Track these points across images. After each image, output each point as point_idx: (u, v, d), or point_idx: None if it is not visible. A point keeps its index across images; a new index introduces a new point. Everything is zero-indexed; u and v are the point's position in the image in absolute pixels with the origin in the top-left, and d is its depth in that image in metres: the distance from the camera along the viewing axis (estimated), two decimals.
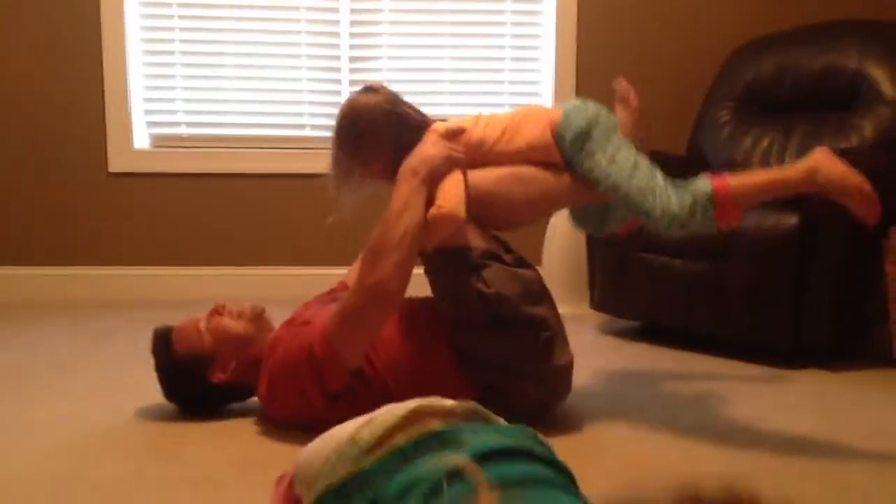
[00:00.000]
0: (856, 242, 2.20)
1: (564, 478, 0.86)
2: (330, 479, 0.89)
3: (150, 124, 3.34)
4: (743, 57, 2.97)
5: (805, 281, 2.20)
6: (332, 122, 1.76)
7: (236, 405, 1.82)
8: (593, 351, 2.43)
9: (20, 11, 3.17)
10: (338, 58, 3.35)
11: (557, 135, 1.71)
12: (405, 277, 1.59)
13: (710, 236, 1.97)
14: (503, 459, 0.82)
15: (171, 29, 3.30)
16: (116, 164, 3.26)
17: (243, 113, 3.37)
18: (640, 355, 2.41)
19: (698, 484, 0.58)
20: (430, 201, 1.61)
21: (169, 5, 3.28)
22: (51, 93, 3.21)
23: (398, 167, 1.65)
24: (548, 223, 3.05)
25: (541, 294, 1.71)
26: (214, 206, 3.31)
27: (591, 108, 1.73)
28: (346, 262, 2.22)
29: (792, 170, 1.65)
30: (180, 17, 3.30)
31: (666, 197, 1.63)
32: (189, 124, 3.35)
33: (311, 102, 3.38)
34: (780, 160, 2.64)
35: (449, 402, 0.97)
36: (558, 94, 3.27)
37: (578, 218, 1.96)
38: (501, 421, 1.00)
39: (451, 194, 1.61)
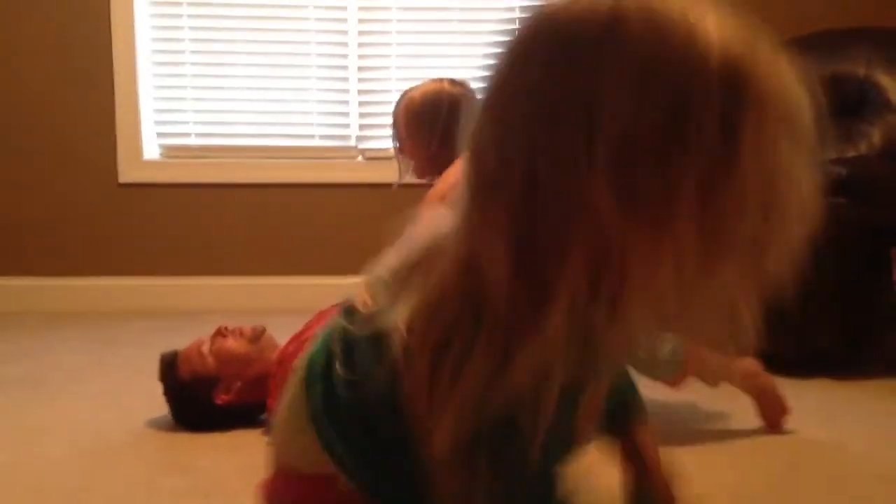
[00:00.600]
0: (864, 250, 2.20)
1: None
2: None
3: (160, 135, 3.36)
4: None
5: (812, 289, 2.18)
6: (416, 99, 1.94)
7: None
8: None
9: (31, 23, 3.20)
10: (346, 68, 3.37)
11: None
12: None
13: None
14: None
15: (182, 40, 3.33)
16: (126, 174, 3.28)
17: (253, 123, 3.39)
18: None
19: None
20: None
21: (179, 16, 3.31)
22: (61, 104, 3.24)
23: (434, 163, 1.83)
24: None
25: None
26: (224, 217, 3.33)
27: None
28: (357, 272, 2.22)
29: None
30: (191, 27, 3.33)
31: None
32: (199, 135, 3.38)
33: (319, 112, 3.40)
34: None
35: None
36: None
37: None
38: None
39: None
